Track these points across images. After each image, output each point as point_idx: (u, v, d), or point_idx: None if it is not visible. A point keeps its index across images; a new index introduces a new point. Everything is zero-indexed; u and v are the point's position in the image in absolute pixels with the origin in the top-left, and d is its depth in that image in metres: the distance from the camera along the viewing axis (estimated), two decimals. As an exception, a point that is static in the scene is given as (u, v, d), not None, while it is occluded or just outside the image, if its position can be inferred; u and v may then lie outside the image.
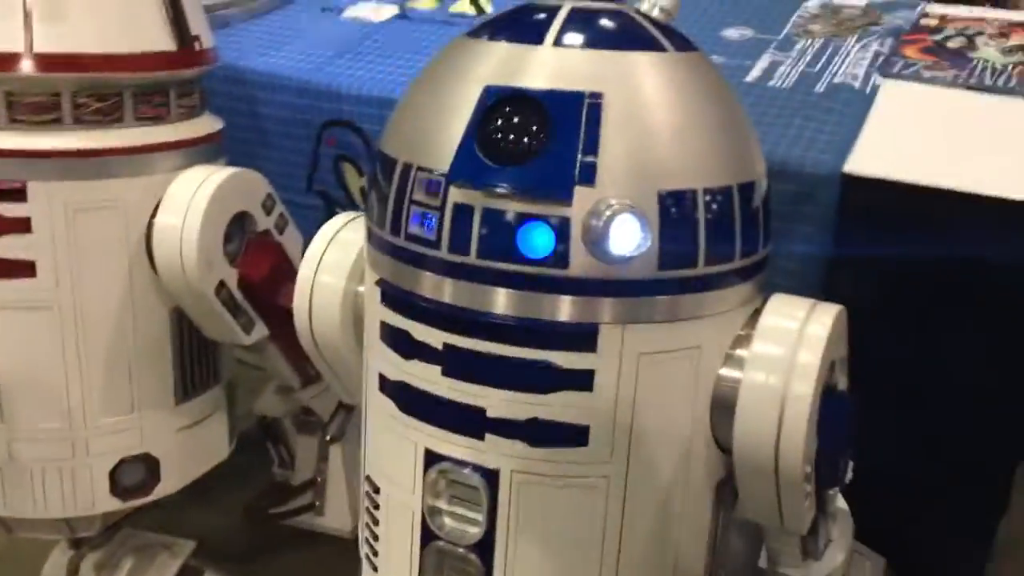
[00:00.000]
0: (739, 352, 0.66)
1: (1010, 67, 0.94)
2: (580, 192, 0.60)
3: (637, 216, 0.60)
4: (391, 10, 1.22)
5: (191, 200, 0.88)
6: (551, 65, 0.63)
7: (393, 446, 0.70)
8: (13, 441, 0.90)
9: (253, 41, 1.20)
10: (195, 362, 0.97)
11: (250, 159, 1.17)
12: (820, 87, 0.97)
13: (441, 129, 0.64)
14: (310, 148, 1.14)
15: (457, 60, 0.67)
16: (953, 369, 0.88)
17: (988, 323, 0.85)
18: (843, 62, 1.00)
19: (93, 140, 0.86)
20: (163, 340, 0.94)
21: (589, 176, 0.60)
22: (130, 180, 0.89)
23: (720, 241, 0.64)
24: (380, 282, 0.69)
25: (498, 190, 0.61)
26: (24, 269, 0.86)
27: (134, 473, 0.95)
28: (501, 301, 0.63)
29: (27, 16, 0.82)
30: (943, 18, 1.05)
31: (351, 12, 1.23)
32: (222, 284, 0.91)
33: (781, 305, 0.68)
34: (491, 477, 0.65)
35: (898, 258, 0.82)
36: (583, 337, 0.62)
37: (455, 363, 0.65)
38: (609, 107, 0.61)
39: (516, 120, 0.62)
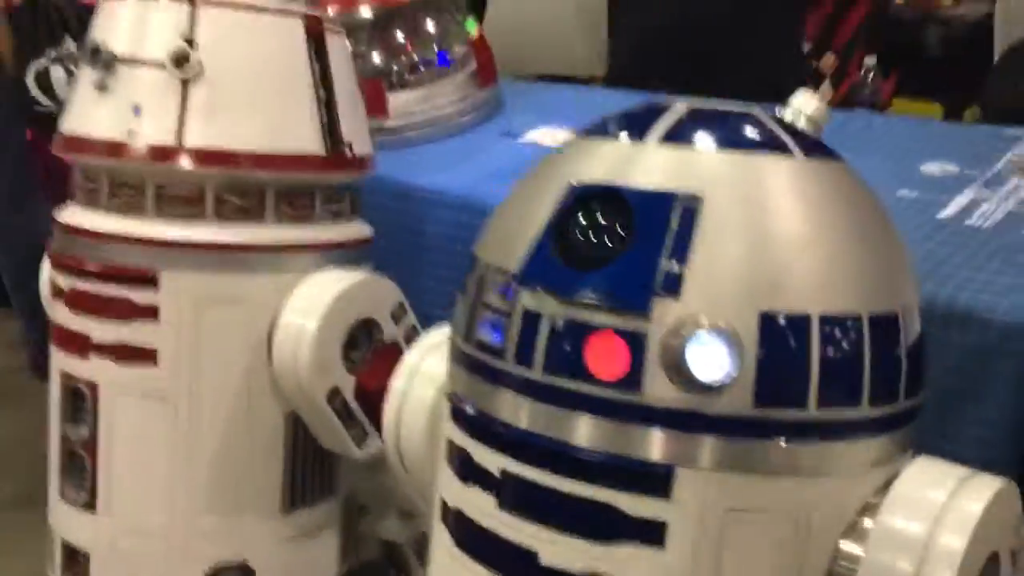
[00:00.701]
0: (865, 523, 0.53)
1: None
2: (661, 304, 0.51)
3: (724, 336, 0.50)
4: (567, 135, 1.19)
5: (314, 300, 0.86)
6: (651, 163, 0.55)
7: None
8: (117, 534, 0.88)
9: (429, 160, 1.21)
10: (309, 471, 0.93)
11: (413, 275, 1.16)
12: (1030, 229, 0.82)
13: (522, 227, 0.57)
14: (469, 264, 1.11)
15: (558, 156, 0.61)
16: None
17: None
18: (1065, 202, 0.85)
19: (230, 235, 0.87)
20: (275, 443, 0.91)
21: (673, 286, 0.51)
22: (262, 277, 0.88)
23: (839, 380, 0.52)
24: (450, 395, 0.62)
25: (569, 296, 0.53)
26: (146, 357, 0.86)
27: (231, 582, 0.91)
28: (564, 425, 0.54)
29: (183, 110, 0.85)
30: None
31: (528, 137, 1.21)
32: (336, 391, 0.87)
33: (925, 470, 0.54)
34: (542, 638, 0.55)
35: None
36: (654, 479, 0.52)
37: (511, 494, 0.56)
38: (709, 211, 0.53)
39: (598, 220, 0.54)
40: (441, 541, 0.62)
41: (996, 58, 1.38)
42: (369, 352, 0.91)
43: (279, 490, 0.92)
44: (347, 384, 0.88)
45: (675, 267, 0.51)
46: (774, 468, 0.52)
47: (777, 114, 0.61)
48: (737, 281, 0.51)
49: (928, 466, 0.55)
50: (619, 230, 0.53)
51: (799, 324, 0.51)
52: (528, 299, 0.55)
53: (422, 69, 1.30)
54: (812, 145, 0.58)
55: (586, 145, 0.60)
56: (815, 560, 0.53)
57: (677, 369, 0.50)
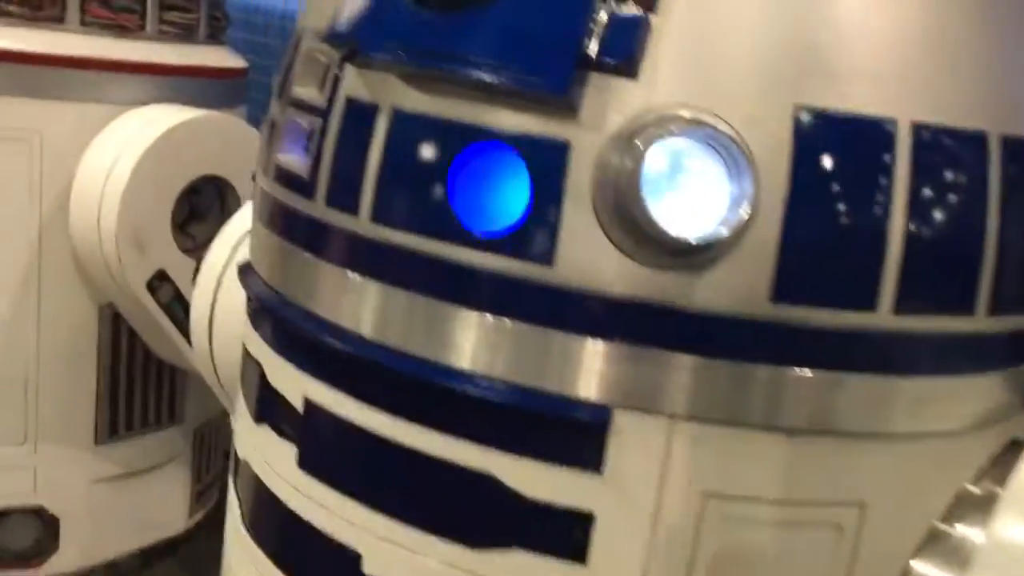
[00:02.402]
0: (959, 532, 0.28)
1: None
2: (603, 87, 0.25)
3: (727, 149, 0.24)
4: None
5: (127, 144, 0.60)
6: None
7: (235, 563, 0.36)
8: None
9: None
10: (137, 387, 0.68)
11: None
12: None
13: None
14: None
15: None
16: None
17: None
18: None
19: (14, 40, 0.60)
20: (85, 347, 0.65)
21: (626, 48, 0.25)
22: (61, 105, 0.62)
23: (943, 258, 0.27)
24: (242, 266, 0.36)
25: (426, 66, 0.27)
26: None
27: (22, 532, 0.66)
28: (407, 322, 0.28)
29: None
30: None
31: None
32: (162, 276, 0.62)
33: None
34: None
35: None
36: (576, 434, 0.27)
37: (318, 445, 0.31)
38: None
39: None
40: (231, 511, 0.37)
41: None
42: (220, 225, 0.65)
43: (90, 412, 0.66)
44: (181, 267, 0.63)
45: (633, 10, 0.25)
46: (799, 421, 0.26)
47: None
48: (758, 49, 0.26)
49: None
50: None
51: (873, 137, 0.26)
52: (355, 81, 0.29)
53: None
54: None
55: None
56: (867, 590, 0.28)
57: (630, 214, 0.25)
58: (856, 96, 0.26)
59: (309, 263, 0.31)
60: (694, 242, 0.24)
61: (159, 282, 0.62)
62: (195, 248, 0.64)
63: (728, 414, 0.26)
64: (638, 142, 0.24)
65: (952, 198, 0.26)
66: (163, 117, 0.62)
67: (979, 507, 0.29)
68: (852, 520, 0.27)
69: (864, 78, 0.26)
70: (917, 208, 0.26)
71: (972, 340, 0.28)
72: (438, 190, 0.27)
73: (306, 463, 0.31)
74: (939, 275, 0.27)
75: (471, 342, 0.27)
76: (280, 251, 0.32)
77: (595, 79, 0.26)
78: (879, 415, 0.27)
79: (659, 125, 0.25)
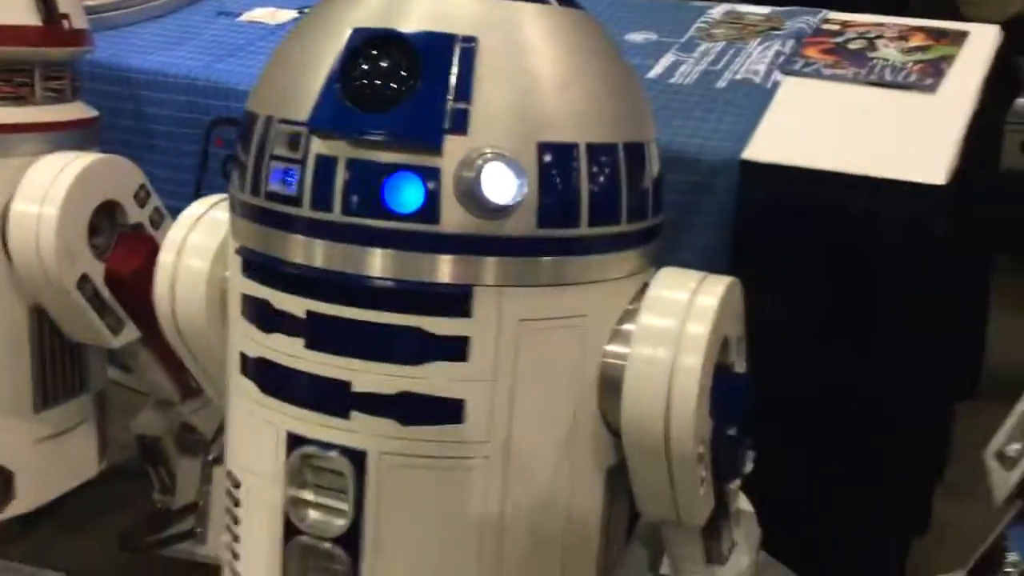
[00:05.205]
0: (626, 327, 0.62)
1: (909, 64, 0.93)
2: (451, 141, 0.56)
3: (511, 164, 0.56)
4: (289, 14, 1.18)
5: (51, 185, 0.82)
6: (425, 9, 0.59)
7: (254, 432, 0.63)
8: None
9: (142, 41, 1.15)
10: (58, 366, 0.90)
11: (136, 163, 1.11)
12: (721, 83, 0.95)
13: (306, 77, 0.59)
14: (198, 149, 1.08)
15: (327, 8, 0.63)
16: (858, 355, 0.85)
17: (885, 301, 0.83)
18: (745, 62, 0.99)
19: (-56, 117, 0.80)
20: (20, 340, 0.86)
21: (461, 124, 0.56)
22: (-15, 160, 0.82)
23: (604, 201, 0.60)
24: (240, 250, 0.63)
25: (363, 138, 0.56)
26: None
27: (-16, 488, 0.86)
28: (367, 261, 0.57)
29: None
30: (845, 23, 1.04)
31: (248, 16, 1.19)
32: (85, 278, 0.84)
33: (670, 277, 0.64)
34: (358, 460, 0.59)
35: (797, 244, 0.79)
36: (456, 300, 0.57)
37: (318, 333, 0.59)
38: (484, 52, 0.57)
39: (384, 64, 0.58)
40: (243, 393, 0.64)
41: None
42: (114, 236, 0.88)
43: (29, 388, 0.88)
44: (95, 271, 0.85)
45: (461, 105, 0.56)
46: (555, 280, 0.59)
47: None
48: (514, 116, 0.57)
49: (671, 273, 0.64)
50: (403, 72, 0.57)
51: (570, 152, 0.58)
52: (321, 145, 0.57)
53: (117, -54, 1.22)
54: (560, -5, 0.65)
55: (352, -2, 0.62)
56: (591, 361, 0.61)
57: (471, 195, 0.56)
58: (561, 133, 0.58)
59: (303, 241, 0.58)
60: (506, 206, 0.55)
61: (83, 283, 0.85)
62: (99, 254, 0.87)
63: (530, 281, 0.58)
64: (473, 164, 0.55)
65: (604, 178, 0.59)
66: (69, 163, 0.84)
67: (633, 314, 0.63)
68: (582, 324, 0.60)
69: (561, 124, 0.58)
70: (592, 184, 0.58)
71: (621, 235, 0.61)
72: (378, 191, 0.56)
73: (312, 346, 0.59)
74: (604, 210, 0.60)
75: (387, 264, 0.57)
76: (278, 236, 0.60)
77: (451, 138, 0.56)
78: (589, 271, 0.60)
79: (477, 154, 0.55)
